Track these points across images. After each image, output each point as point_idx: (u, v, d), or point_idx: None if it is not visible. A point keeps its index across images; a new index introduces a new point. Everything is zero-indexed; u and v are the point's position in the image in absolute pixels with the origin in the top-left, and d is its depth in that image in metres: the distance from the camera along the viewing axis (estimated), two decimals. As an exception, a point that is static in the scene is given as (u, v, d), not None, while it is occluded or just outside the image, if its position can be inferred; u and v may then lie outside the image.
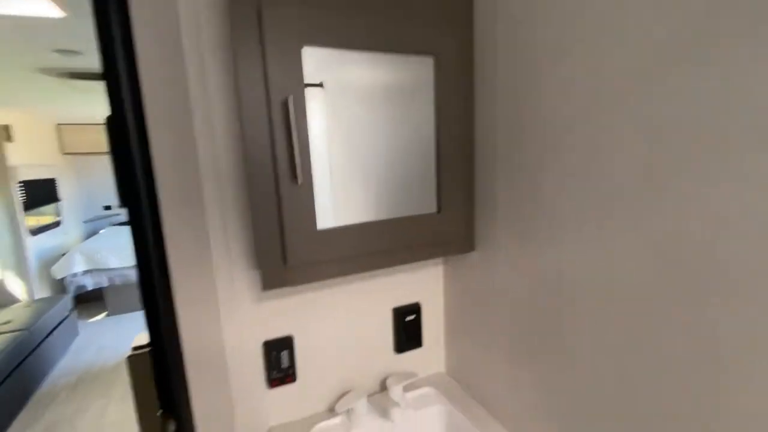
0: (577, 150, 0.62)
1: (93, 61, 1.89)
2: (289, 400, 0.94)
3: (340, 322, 0.97)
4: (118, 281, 3.68)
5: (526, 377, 0.80)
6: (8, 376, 2.31)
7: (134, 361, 1.48)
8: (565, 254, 0.67)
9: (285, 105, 0.66)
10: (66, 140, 4.25)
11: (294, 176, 0.68)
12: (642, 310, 0.56)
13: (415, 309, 1.05)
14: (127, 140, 0.69)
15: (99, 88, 2.52)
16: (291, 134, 0.66)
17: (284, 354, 0.90)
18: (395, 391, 0.94)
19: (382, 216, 0.80)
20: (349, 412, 0.93)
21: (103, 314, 3.83)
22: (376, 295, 1.01)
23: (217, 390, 0.82)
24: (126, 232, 4.26)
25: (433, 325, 1.09)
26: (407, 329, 1.05)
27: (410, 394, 1.02)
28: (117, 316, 3.77)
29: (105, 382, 2.66)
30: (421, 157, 0.82)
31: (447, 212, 0.84)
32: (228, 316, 0.82)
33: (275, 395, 0.92)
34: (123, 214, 5.01)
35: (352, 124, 0.78)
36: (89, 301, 4.07)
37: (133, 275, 3.71)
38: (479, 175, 0.87)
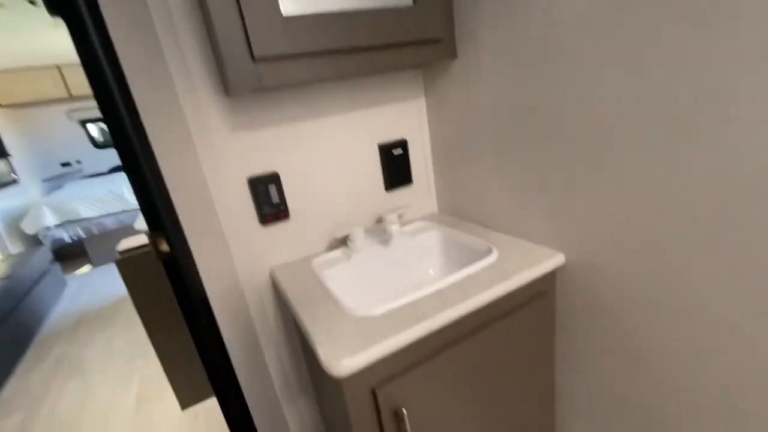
0: None
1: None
2: (287, 239, 0.93)
3: (325, 158, 0.93)
4: (96, 231, 3.55)
5: (517, 182, 0.80)
6: (1, 322, 2.28)
7: (123, 263, 1.45)
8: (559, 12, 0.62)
9: None
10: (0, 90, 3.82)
11: (244, -63, 0.59)
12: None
13: (401, 144, 1.02)
14: None
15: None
16: None
17: (272, 189, 0.87)
18: (391, 217, 0.94)
19: (353, 5, 0.72)
20: (348, 243, 0.93)
21: (88, 266, 3.75)
22: (360, 130, 0.97)
23: (206, 218, 0.80)
24: (92, 183, 4.04)
25: (421, 161, 1.08)
26: (396, 165, 1.02)
27: (406, 228, 1.03)
28: (102, 267, 3.70)
29: (106, 318, 2.67)
30: (388, -62, 0.73)
31: (423, 3, 0.77)
32: (203, 144, 0.77)
33: (271, 234, 0.91)
34: (83, 168, 4.73)
35: None
36: (73, 256, 3.97)
37: (110, 223, 3.59)
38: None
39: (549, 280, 0.78)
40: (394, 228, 0.93)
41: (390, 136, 1.01)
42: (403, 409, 0.60)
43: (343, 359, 0.56)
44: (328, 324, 0.65)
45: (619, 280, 0.67)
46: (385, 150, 1.00)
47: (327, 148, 0.93)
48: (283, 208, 0.89)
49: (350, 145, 0.96)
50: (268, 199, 0.87)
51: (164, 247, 0.69)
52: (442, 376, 0.67)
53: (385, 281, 0.93)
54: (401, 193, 1.07)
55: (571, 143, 0.67)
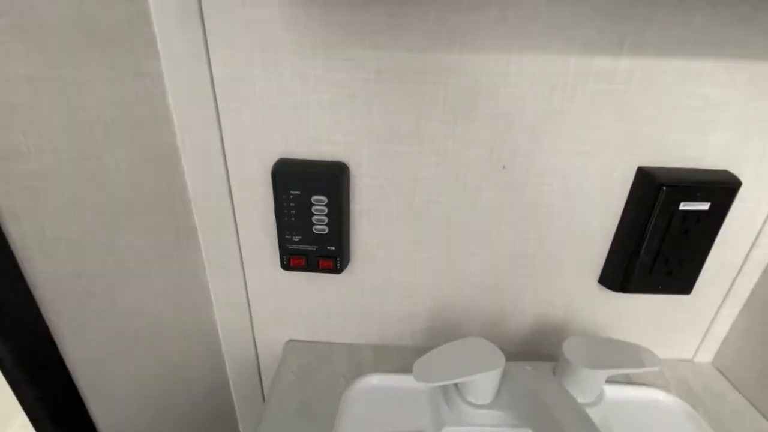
0: None
1: None
2: (325, 299, 0.43)
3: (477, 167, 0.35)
4: None
5: None
6: None
7: None
8: None
9: None
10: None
11: None
12: None
13: (715, 188, 0.33)
14: None
15: None
16: None
17: (320, 205, 0.35)
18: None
19: None
20: (455, 389, 0.37)
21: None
22: (599, 124, 0.33)
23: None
24: None
25: (741, 247, 0.38)
26: (678, 238, 0.36)
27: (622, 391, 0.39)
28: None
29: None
30: None
31: None
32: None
33: (296, 282, 0.42)
34: None
35: None
36: None
37: None
38: None
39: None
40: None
41: (683, 155, 0.34)
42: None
43: None
44: None
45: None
46: (658, 193, 0.34)
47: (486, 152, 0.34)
48: (333, 248, 0.37)
49: (561, 153, 0.34)
50: (305, 222, 0.36)
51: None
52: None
53: None
54: (649, 302, 0.41)
55: None
